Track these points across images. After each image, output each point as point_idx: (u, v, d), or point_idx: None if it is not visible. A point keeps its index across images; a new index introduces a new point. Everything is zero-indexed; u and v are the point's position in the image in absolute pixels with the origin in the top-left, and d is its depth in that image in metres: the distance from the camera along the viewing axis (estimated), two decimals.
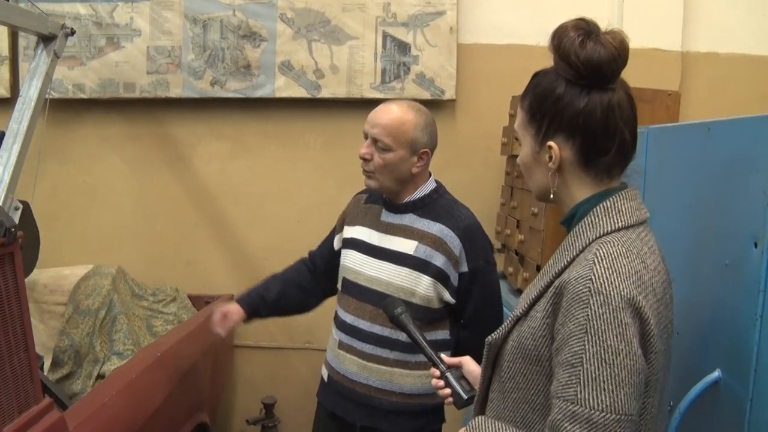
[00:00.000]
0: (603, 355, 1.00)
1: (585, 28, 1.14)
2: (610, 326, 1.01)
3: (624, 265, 1.06)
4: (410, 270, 1.97)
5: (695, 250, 1.55)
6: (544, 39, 3.48)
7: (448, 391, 1.50)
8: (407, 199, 2.05)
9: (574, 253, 1.13)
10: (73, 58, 3.37)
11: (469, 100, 3.37)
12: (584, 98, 1.13)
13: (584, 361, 1.01)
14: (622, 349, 1.01)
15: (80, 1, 3.36)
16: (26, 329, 1.68)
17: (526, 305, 1.18)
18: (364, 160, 2.01)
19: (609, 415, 0.99)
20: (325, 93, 3.35)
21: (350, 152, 3.43)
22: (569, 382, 1.03)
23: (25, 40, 3.37)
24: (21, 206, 2.68)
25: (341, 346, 2.09)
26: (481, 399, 1.33)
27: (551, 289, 1.12)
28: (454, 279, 1.98)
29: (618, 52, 1.13)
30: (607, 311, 1.01)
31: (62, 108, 3.49)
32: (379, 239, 2.05)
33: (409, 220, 2.03)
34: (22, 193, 3.18)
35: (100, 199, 3.55)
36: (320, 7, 3.30)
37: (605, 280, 1.03)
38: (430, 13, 3.28)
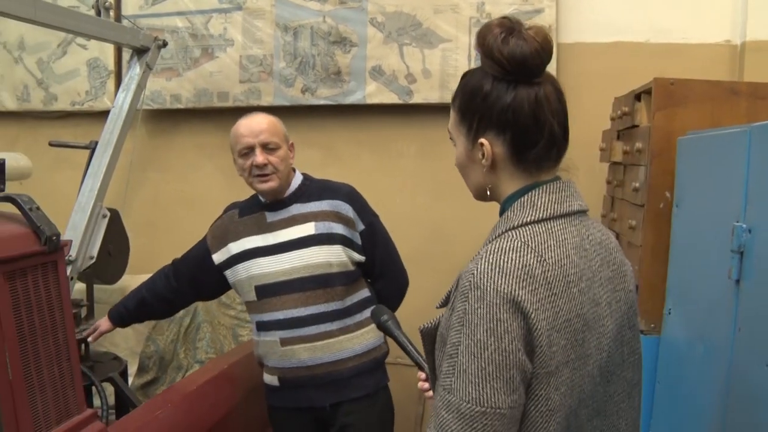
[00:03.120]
0: (473, 349, 1.03)
1: (507, 25, 1.14)
2: (482, 320, 1.03)
3: (511, 260, 1.06)
4: (319, 246, 2.14)
5: None
6: (654, 36, 3.22)
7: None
8: (287, 192, 2.21)
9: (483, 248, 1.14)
10: (171, 70, 3.45)
11: (569, 103, 3.11)
12: (511, 93, 1.14)
13: (458, 353, 1.04)
14: (491, 344, 1.02)
15: (178, 15, 3.43)
16: (69, 338, 1.67)
17: (443, 297, 1.21)
18: (261, 166, 2.12)
19: (475, 407, 1.02)
20: (417, 98, 3.23)
21: (445, 161, 3.31)
22: (447, 372, 1.06)
23: (129, 54, 3.48)
24: (108, 214, 2.74)
25: (285, 342, 2.14)
26: (433, 389, 1.32)
27: (455, 281, 1.15)
28: (357, 239, 2.19)
29: (541, 46, 1.12)
30: (482, 306, 1.04)
31: (162, 118, 3.58)
32: (275, 237, 2.17)
33: (296, 209, 2.19)
34: (125, 201, 3.29)
35: (197, 208, 3.60)
36: (411, 9, 3.18)
37: (485, 276, 1.05)
38: (527, 11, 3.08)
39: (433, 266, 3.04)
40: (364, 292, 2.24)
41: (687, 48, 3.06)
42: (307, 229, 2.16)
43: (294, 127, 3.41)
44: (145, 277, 3.24)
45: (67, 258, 2.56)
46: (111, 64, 3.60)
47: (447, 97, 3.15)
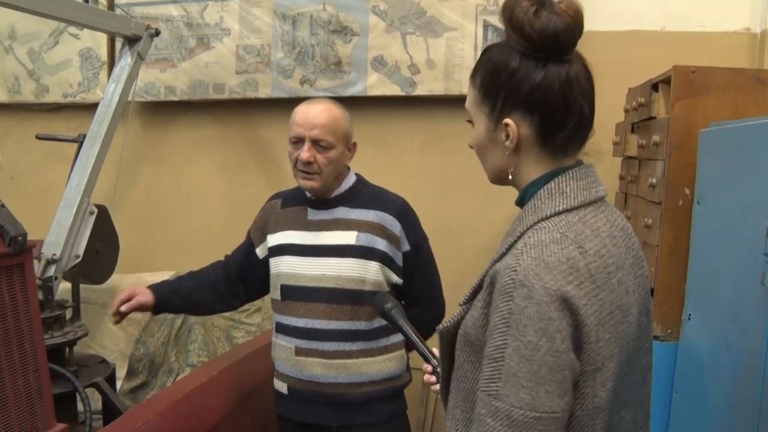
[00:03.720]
0: (523, 351, 0.97)
1: None
2: (531, 320, 0.97)
3: (554, 253, 1.00)
4: (356, 259, 1.96)
5: None
6: (671, 23, 3.07)
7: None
8: (335, 193, 2.03)
9: (513, 240, 1.07)
10: (165, 60, 3.32)
11: None
12: (541, 71, 1.07)
13: (506, 356, 0.98)
14: (542, 345, 0.97)
15: (172, 3, 3.30)
16: (37, 347, 1.54)
17: (468, 293, 1.14)
18: (308, 163, 1.95)
19: (529, 412, 0.96)
20: (420, 90, 3.09)
21: (451, 155, 3.19)
22: (492, 377, 1.00)
23: (121, 44, 3.36)
24: (96, 210, 2.61)
25: (299, 352, 2.00)
26: (445, 390, 1.26)
27: (486, 278, 1.08)
28: (399, 260, 2.01)
29: (574, 21, 1.05)
30: (530, 305, 0.97)
31: (156, 111, 3.46)
32: (313, 237, 2.01)
33: (342, 212, 2.02)
34: (118, 197, 3.17)
35: (192, 203, 3.49)
36: None
37: (530, 272, 0.99)
38: None
39: (439, 263, 2.93)
40: None
41: (705, 36, 2.91)
42: (348, 237, 1.98)
43: None
44: (139, 275, 3.15)
45: (51, 257, 2.45)
46: (104, 55, 3.48)
47: (452, 89, 3.03)
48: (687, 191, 1.98)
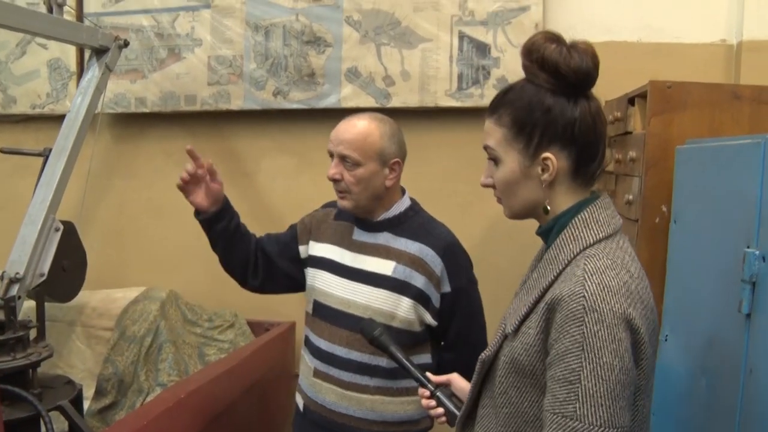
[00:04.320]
0: (600, 372, 1.03)
1: (560, 40, 1.17)
2: (605, 343, 1.04)
3: (612, 278, 1.08)
4: (389, 292, 1.86)
5: None
6: (647, 34, 3.05)
7: (440, 410, 1.50)
8: (382, 216, 1.93)
9: (560, 267, 1.15)
10: (135, 71, 3.25)
11: None
12: (574, 107, 1.17)
13: (582, 378, 1.04)
14: (616, 365, 1.04)
15: (143, 13, 3.22)
16: None
17: (516, 321, 1.20)
18: (335, 180, 1.89)
19: (608, 429, 1.03)
20: (395, 102, 3.04)
21: (425, 167, 3.15)
22: (568, 399, 1.05)
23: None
24: (61, 227, 2.53)
25: (317, 374, 1.94)
26: (465, 417, 1.35)
27: (542, 304, 1.14)
28: (436, 300, 1.89)
29: (596, 59, 1.17)
30: (602, 328, 1.04)
31: (127, 123, 3.39)
32: (352, 259, 1.92)
33: (385, 239, 1.92)
34: (87, 211, 3.09)
35: (165, 217, 3.41)
36: (389, 7, 2.99)
37: (597, 297, 1.06)
38: (512, 9, 2.89)
39: None
40: (425, 358, 1.93)
41: (681, 48, 2.90)
42: (385, 267, 1.87)
43: (265, 133, 3.28)
44: (108, 291, 3.08)
45: (14, 275, 2.37)
46: (73, 65, 3.39)
47: (427, 101, 2.99)
48: (664, 209, 1.95)
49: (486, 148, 1.25)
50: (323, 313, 1.94)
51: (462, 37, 2.96)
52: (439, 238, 1.90)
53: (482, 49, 2.94)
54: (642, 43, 2.92)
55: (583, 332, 1.05)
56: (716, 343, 1.50)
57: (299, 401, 2.02)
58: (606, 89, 2.50)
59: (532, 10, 2.88)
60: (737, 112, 1.95)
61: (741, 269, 1.29)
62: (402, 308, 1.85)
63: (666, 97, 1.96)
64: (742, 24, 2.83)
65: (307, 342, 2.00)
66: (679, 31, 2.91)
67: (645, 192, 1.98)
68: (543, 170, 1.18)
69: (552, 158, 1.17)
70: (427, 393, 1.52)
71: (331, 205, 2.09)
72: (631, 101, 2.18)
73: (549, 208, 1.21)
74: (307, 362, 1.98)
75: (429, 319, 1.88)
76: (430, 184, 3.11)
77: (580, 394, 1.04)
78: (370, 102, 3.04)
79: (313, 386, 1.94)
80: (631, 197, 2.06)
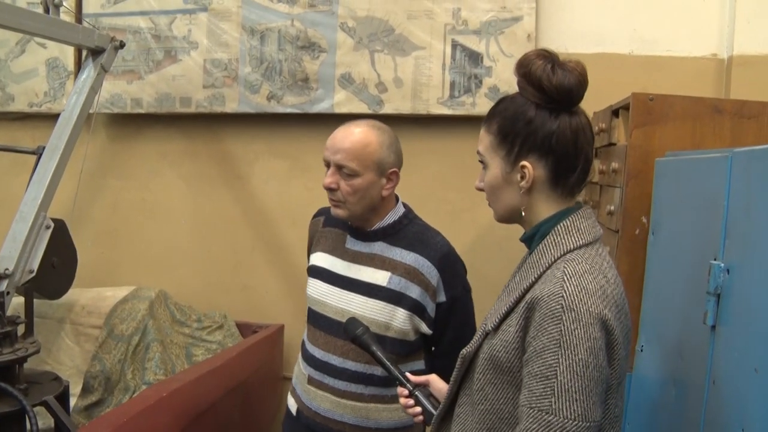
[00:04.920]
0: (575, 368, 1.09)
1: (549, 57, 1.23)
2: (581, 341, 1.09)
3: (590, 282, 1.14)
4: (384, 303, 1.83)
5: None
6: (638, 47, 3.08)
7: (417, 409, 1.54)
8: (376, 225, 1.89)
9: (541, 270, 1.21)
10: (132, 72, 3.28)
11: None
12: (554, 120, 1.23)
13: (558, 374, 1.09)
14: (591, 362, 1.09)
15: (141, 15, 3.26)
16: None
17: (496, 320, 1.25)
18: (330, 189, 1.83)
19: (581, 423, 1.09)
20: (387, 108, 3.07)
21: (417, 174, 3.17)
22: (544, 393, 1.10)
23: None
24: (52, 225, 2.56)
25: (311, 381, 1.92)
26: (441, 417, 1.41)
27: (522, 304, 1.20)
28: (431, 310, 1.86)
29: (583, 78, 1.23)
30: (579, 327, 1.10)
31: (123, 123, 3.42)
32: (346, 269, 1.90)
33: (379, 248, 1.88)
34: (82, 210, 3.12)
35: (158, 217, 3.45)
36: (383, 14, 3.03)
37: (575, 298, 1.12)
38: (505, 19, 2.92)
39: None
40: (417, 364, 1.92)
41: (672, 61, 2.92)
42: (381, 277, 1.84)
43: (259, 136, 3.30)
44: (99, 290, 3.10)
45: (4, 271, 2.39)
46: (71, 65, 3.43)
47: (419, 108, 3.01)
48: (644, 220, 1.97)
49: (477, 153, 1.34)
50: (318, 323, 1.93)
51: (455, 45, 2.99)
52: (435, 249, 1.87)
53: (475, 58, 2.97)
54: (633, 55, 2.95)
55: (561, 330, 1.10)
56: (685, 355, 1.51)
57: (292, 404, 2.01)
58: (596, 101, 2.53)
59: (524, 20, 2.91)
60: (718, 126, 1.97)
61: (706, 281, 1.30)
62: (397, 319, 1.82)
63: (648, 109, 1.98)
64: (733, 39, 2.85)
65: (303, 348, 1.99)
66: (671, 45, 2.94)
67: (626, 203, 2.00)
68: (522, 177, 1.25)
69: (529, 166, 1.24)
70: (406, 392, 1.56)
71: (320, 213, 2.09)
72: (615, 113, 2.20)
73: (524, 213, 1.29)
74: (301, 368, 1.98)
75: (424, 328, 1.86)
76: (421, 191, 3.13)
77: (555, 389, 1.09)
78: (362, 108, 3.07)
79: (308, 393, 1.93)
80: (612, 208, 2.08)
